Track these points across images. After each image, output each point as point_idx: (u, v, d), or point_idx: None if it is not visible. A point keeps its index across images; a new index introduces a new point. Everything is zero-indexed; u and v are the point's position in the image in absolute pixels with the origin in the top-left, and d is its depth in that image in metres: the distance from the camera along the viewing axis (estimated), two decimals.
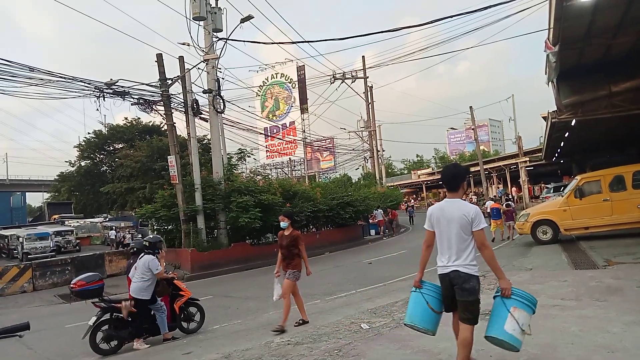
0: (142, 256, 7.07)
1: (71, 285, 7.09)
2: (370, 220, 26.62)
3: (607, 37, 11.18)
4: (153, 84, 16.56)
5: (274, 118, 52.49)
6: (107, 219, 40.36)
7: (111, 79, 15.76)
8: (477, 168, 40.55)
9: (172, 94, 16.82)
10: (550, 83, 13.24)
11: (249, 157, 26.55)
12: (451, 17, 12.61)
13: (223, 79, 17.85)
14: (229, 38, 17.19)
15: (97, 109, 16.63)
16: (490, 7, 11.59)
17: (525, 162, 39.61)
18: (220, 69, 17.58)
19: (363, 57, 34.76)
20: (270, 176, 25.90)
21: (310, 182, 34.37)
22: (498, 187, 44.72)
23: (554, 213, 13.29)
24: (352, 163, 47.76)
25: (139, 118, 47.25)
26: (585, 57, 12.39)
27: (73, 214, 44.69)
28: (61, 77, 14.63)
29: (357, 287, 10.14)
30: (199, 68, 17.18)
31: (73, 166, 47.29)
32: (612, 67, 12.70)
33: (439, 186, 65.18)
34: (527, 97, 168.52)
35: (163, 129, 40.36)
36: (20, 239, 26.81)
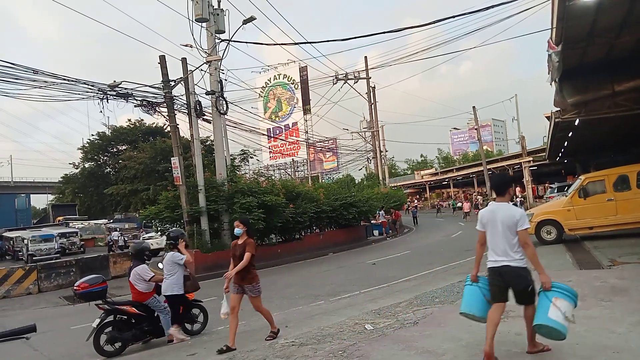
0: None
1: (75, 288, 7.11)
2: (374, 221, 26.63)
3: (610, 37, 11.14)
4: (156, 85, 16.62)
5: (277, 119, 52.56)
6: (111, 221, 40.47)
7: (114, 81, 15.81)
8: (481, 168, 40.51)
9: (175, 96, 16.87)
10: (552, 83, 13.21)
11: (252, 158, 26.61)
12: (453, 17, 12.59)
13: (226, 80, 17.92)
14: (232, 39, 17.26)
15: (101, 111, 16.64)
16: (492, 7, 11.57)
17: (529, 162, 39.52)
18: (222, 70, 17.64)
19: (365, 57, 34.83)
20: (273, 177, 25.95)
21: (313, 183, 34.43)
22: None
23: (558, 213, 13.24)
24: (355, 164, 47.80)
25: (142, 120, 47.39)
26: (589, 57, 12.35)
27: (77, 216, 44.82)
28: (65, 79, 14.70)
29: (361, 288, 10.14)
30: (201, 69, 17.25)
31: (77, 168, 47.41)
32: (616, 66, 12.66)
33: (442, 186, 65.19)
34: (531, 97, 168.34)
35: (166, 130, 40.42)
36: (25, 241, 26.92)
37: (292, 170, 52.49)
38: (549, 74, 12.30)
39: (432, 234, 24.73)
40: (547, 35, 10.47)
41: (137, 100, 16.55)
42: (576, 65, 12.49)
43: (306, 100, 49.93)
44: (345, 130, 42.64)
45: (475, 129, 42.38)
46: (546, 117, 23.02)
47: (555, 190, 29.27)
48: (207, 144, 32.02)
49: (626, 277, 7.57)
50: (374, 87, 35.96)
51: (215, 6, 16.86)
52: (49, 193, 60.15)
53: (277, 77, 53.30)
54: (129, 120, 47.57)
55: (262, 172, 24.34)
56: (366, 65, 34.48)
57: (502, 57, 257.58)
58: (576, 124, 17.40)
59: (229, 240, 16.90)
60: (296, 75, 51.46)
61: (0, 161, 75.14)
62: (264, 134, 42.70)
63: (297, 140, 47.74)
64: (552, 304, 4.09)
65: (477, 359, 4.46)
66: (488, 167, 41.08)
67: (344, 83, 33.56)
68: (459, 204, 42.19)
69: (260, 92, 51.99)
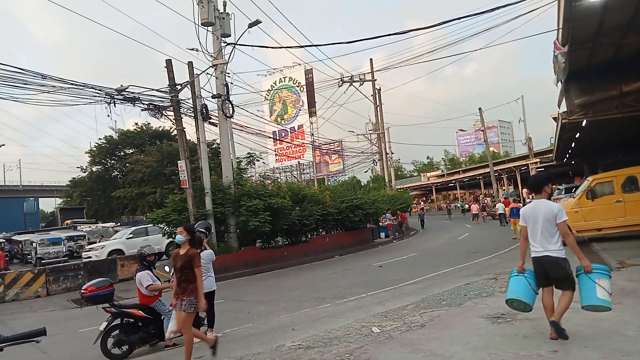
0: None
1: (82, 291, 7.15)
2: (381, 223, 26.59)
3: (617, 37, 11.09)
4: (163, 89, 16.70)
5: (283, 122, 52.61)
6: (119, 224, 40.69)
7: (122, 85, 15.90)
8: (487, 170, 40.31)
9: (181, 99, 16.94)
10: (559, 83, 13.15)
11: (258, 161, 26.66)
12: (459, 19, 12.55)
13: (232, 83, 17.98)
14: (237, 43, 17.32)
15: (108, 115, 16.79)
16: (498, 8, 11.53)
17: (536, 163, 39.34)
18: (229, 73, 17.71)
19: (371, 59, 34.75)
20: (279, 180, 25.96)
21: (319, 186, 34.42)
22: (502, 189, 44.33)
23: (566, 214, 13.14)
24: (361, 166, 47.74)
25: (149, 123, 47.65)
26: (596, 57, 12.30)
27: (85, 219, 45.10)
28: (72, 84, 14.82)
29: (368, 291, 10.12)
30: (207, 73, 17.31)
31: (85, 172, 47.77)
32: (623, 66, 12.59)
33: (449, 188, 64.98)
34: (537, 98, 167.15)
35: (173, 134, 40.57)
36: (34, 244, 27.11)
37: (298, 172, 52.51)
38: (555, 74, 12.26)
39: (438, 236, 24.64)
40: (553, 36, 10.43)
41: (144, 104, 16.65)
42: (583, 66, 12.43)
43: (312, 103, 49.95)
44: (351, 133, 42.75)
45: (482, 131, 42.19)
46: (553, 118, 22.91)
47: (563, 192, 29.03)
48: (214, 147, 32.12)
49: (635, 279, 7.50)
50: (380, 89, 35.92)
51: (221, 10, 16.94)
52: (57, 197, 60.57)
53: (283, 80, 53.39)
54: (136, 123, 47.88)
55: (268, 175, 24.37)
56: (371, 68, 34.47)
57: (508, 58, 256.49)
58: (583, 125, 17.31)
59: (235, 243, 16.96)
60: (302, 77, 51.52)
61: (10, 165, 75.87)
62: (269, 137, 42.76)
63: (303, 143, 47.75)
64: (597, 284, 4.63)
65: None
66: (495, 168, 40.92)
67: (350, 85, 33.56)
68: (466, 206, 42.01)
69: (266, 95, 52.08)
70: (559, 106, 15.35)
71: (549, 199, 5.14)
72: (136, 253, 8.35)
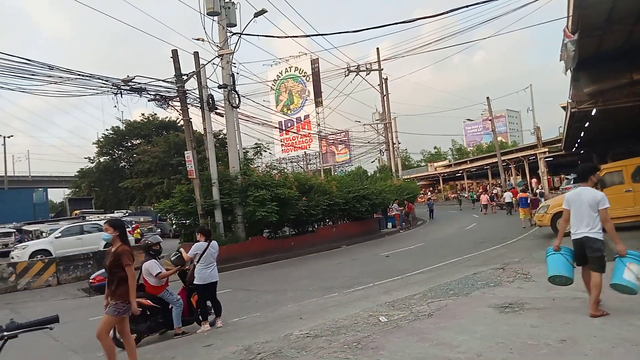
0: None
1: (90, 280, 7.25)
2: (389, 213, 26.59)
3: (629, 24, 10.89)
4: (169, 80, 16.70)
5: (289, 112, 52.49)
6: (127, 214, 40.97)
7: (128, 76, 15.92)
8: (495, 160, 40.05)
9: (187, 90, 16.94)
10: (567, 72, 12.97)
11: (265, 151, 26.65)
12: (467, 7, 12.41)
13: (238, 73, 17.92)
14: (243, 33, 17.25)
15: (115, 106, 16.91)
16: None
17: (544, 153, 38.98)
18: (234, 63, 17.67)
19: (377, 49, 34.47)
20: (286, 170, 25.97)
21: (325, 176, 34.41)
22: (508, 180, 44.00)
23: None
24: (368, 156, 47.61)
25: (155, 114, 47.82)
26: (606, 45, 12.10)
27: (94, 209, 45.49)
28: (79, 74, 14.85)
29: (375, 280, 10.14)
30: (213, 63, 17.29)
31: (92, 162, 48.12)
32: (634, 54, 12.36)
33: (456, 178, 64.70)
34: (546, 87, 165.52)
35: (179, 124, 40.66)
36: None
37: (305, 163, 52.48)
38: (561, 61, 12.06)
39: (445, 227, 24.60)
40: (562, 23, 10.28)
41: (150, 94, 16.67)
42: (592, 54, 12.24)
43: (318, 93, 49.76)
44: (358, 123, 42.58)
45: (490, 120, 41.88)
46: (562, 107, 22.68)
47: (572, 182, 28.85)
48: (220, 137, 32.19)
49: None
50: (386, 79, 35.68)
51: None
52: (65, 187, 61.08)
53: (289, 69, 53.16)
54: (143, 114, 48.06)
55: (274, 165, 24.34)
56: (378, 57, 34.21)
57: (516, 47, 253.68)
58: (593, 114, 17.09)
59: (242, 233, 17.03)
60: (308, 67, 51.25)
61: (18, 156, 76.87)
62: (276, 127, 42.72)
63: (309, 133, 47.68)
64: (626, 267, 5.07)
65: (492, 352, 4.45)
66: (503, 158, 40.62)
67: (356, 75, 33.36)
68: (475, 196, 41.79)
69: (272, 85, 51.92)
70: (569, 95, 15.17)
71: (594, 187, 5.52)
72: (141, 243, 8.40)
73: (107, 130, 47.04)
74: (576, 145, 31.76)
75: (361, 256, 15.36)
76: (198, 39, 17.51)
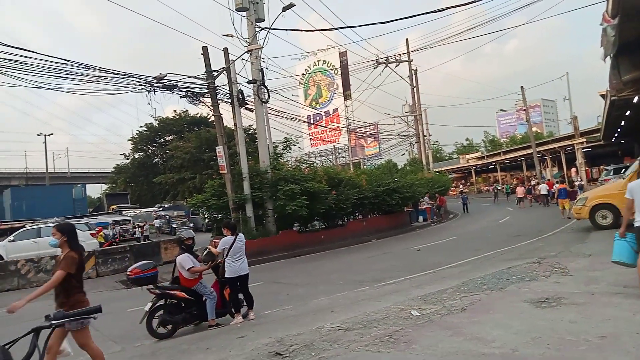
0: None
1: (127, 273, 7.44)
2: (420, 207, 26.33)
3: None
4: (200, 76, 16.95)
5: (317, 106, 52.44)
6: (160, 208, 42.06)
7: (160, 73, 16.22)
8: (530, 151, 38.95)
9: (217, 86, 17.17)
10: (607, 58, 12.43)
11: (294, 145, 26.75)
12: None
13: (267, 68, 18.10)
14: (272, 27, 17.31)
15: (149, 103, 17.37)
16: None
17: (582, 143, 37.67)
18: (263, 58, 17.77)
19: (407, 40, 34.08)
20: (315, 164, 26.02)
21: (355, 169, 34.29)
22: (543, 172, 42.63)
23: (615, 196, 12.53)
24: (398, 149, 47.13)
25: (187, 110, 48.77)
26: None
27: (129, 204, 46.87)
28: (114, 73, 15.24)
29: (406, 274, 10.06)
30: (243, 59, 17.43)
31: (128, 158, 49.59)
32: None
33: (489, 170, 63.28)
34: (583, 75, 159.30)
35: (210, 120, 41.42)
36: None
37: (334, 156, 52.41)
38: (601, 46, 11.57)
39: (478, 220, 24.14)
40: (601, 8, 9.85)
41: (182, 91, 16.95)
42: (634, 39, 11.67)
43: (346, 86, 49.49)
44: (387, 115, 42.14)
45: (524, 110, 40.73)
46: (601, 95, 21.81)
47: (611, 173, 27.76)
48: (250, 132, 32.51)
49: None
50: (416, 70, 35.21)
51: None
52: (102, 183, 63.30)
53: (317, 63, 53.02)
54: (175, 111, 49.10)
55: (304, 160, 24.42)
56: (407, 48, 33.76)
57: (551, 34, 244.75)
58: (634, 101, 16.39)
59: (273, 227, 17.20)
60: (336, 60, 51.01)
61: (58, 153, 79.79)
62: (304, 121, 42.82)
63: (338, 127, 47.53)
64: None
65: (528, 347, 4.34)
66: (538, 149, 39.46)
67: (385, 67, 33.04)
68: (509, 188, 40.77)
69: (301, 79, 51.97)
70: (609, 83, 14.57)
71: None
72: (175, 237, 8.63)
73: (141, 127, 48.36)
74: (616, 134, 30.54)
75: (392, 250, 15.26)
76: (227, 35, 17.71)
